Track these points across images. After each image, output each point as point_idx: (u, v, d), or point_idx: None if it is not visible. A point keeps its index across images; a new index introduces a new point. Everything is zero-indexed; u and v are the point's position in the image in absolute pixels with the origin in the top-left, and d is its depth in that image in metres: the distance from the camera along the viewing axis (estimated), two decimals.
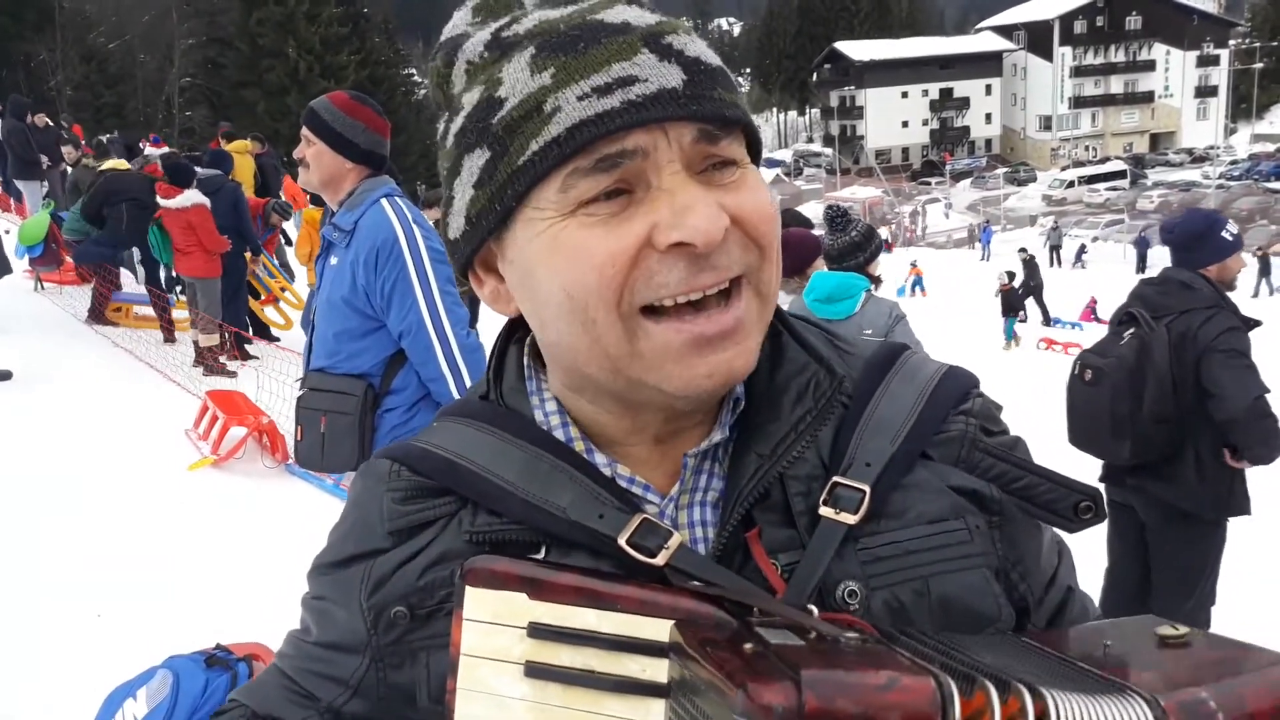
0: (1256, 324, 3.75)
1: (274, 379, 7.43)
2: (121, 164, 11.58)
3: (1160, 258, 26.17)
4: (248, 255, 9.90)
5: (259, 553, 5.00)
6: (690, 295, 0.73)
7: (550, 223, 0.74)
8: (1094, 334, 12.71)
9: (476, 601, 0.74)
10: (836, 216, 4.50)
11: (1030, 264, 24.85)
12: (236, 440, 6.64)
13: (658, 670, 0.70)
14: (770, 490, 0.80)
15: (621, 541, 0.76)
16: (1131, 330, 3.82)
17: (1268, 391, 3.60)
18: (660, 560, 0.74)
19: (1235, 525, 3.88)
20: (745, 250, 0.75)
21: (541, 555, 0.79)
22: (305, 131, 3.25)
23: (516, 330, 0.91)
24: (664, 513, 0.82)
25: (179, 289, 9.93)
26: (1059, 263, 37.00)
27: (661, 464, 0.84)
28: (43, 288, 11.62)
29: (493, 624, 0.74)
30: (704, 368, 0.74)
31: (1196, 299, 3.71)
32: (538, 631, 0.72)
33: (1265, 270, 29.39)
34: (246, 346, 9.74)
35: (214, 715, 0.94)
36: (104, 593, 4.48)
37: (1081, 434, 3.94)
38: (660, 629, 0.70)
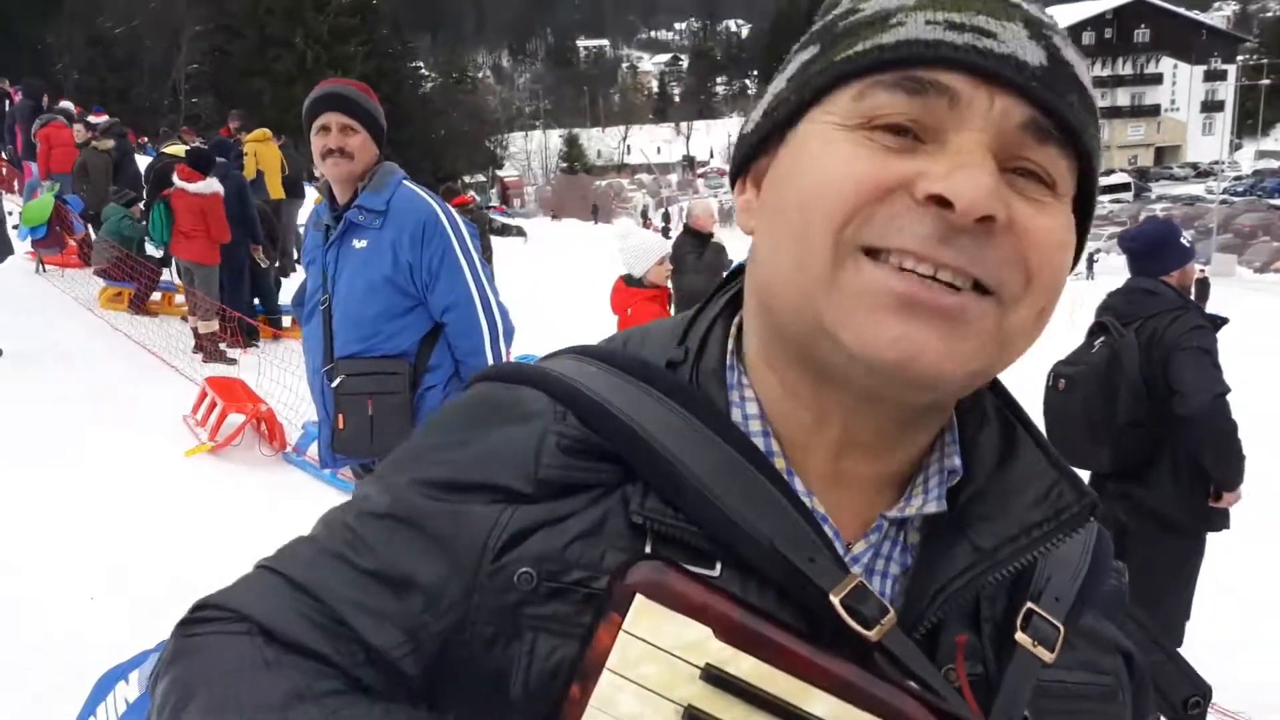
0: (1224, 321, 3.81)
1: (275, 367, 7.42)
2: (182, 150, 11.55)
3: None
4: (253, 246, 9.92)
5: (254, 540, 4.93)
6: (920, 265, 0.63)
7: (830, 127, 0.67)
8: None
9: (645, 616, 0.62)
10: None
11: None
12: (234, 427, 6.63)
13: None
14: (972, 590, 0.71)
15: (835, 600, 0.64)
16: (1102, 339, 3.89)
17: (1229, 391, 3.63)
18: (874, 635, 0.64)
19: (1213, 538, 3.89)
20: (1010, 267, 0.64)
21: (716, 571, 0.67)
22: (344, 120, 3.24)
23: (726, 304, 0.80)
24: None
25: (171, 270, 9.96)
26: None
27: (836, 497, 0.73)
28: (44, 270, 11.60)
29: (660, 650, 0.62)
30: (893, 332, 0.63)
31: (1162, 303, 3.79)
32: (718, 679, 0.61)
33: (1203, 295, 29.36)
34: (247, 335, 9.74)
35: (187, 622, 0.75)
36: (97, 576, 4.47)
37: (1060, 443, 3.95)
38: None
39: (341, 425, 3.34)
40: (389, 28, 64.36)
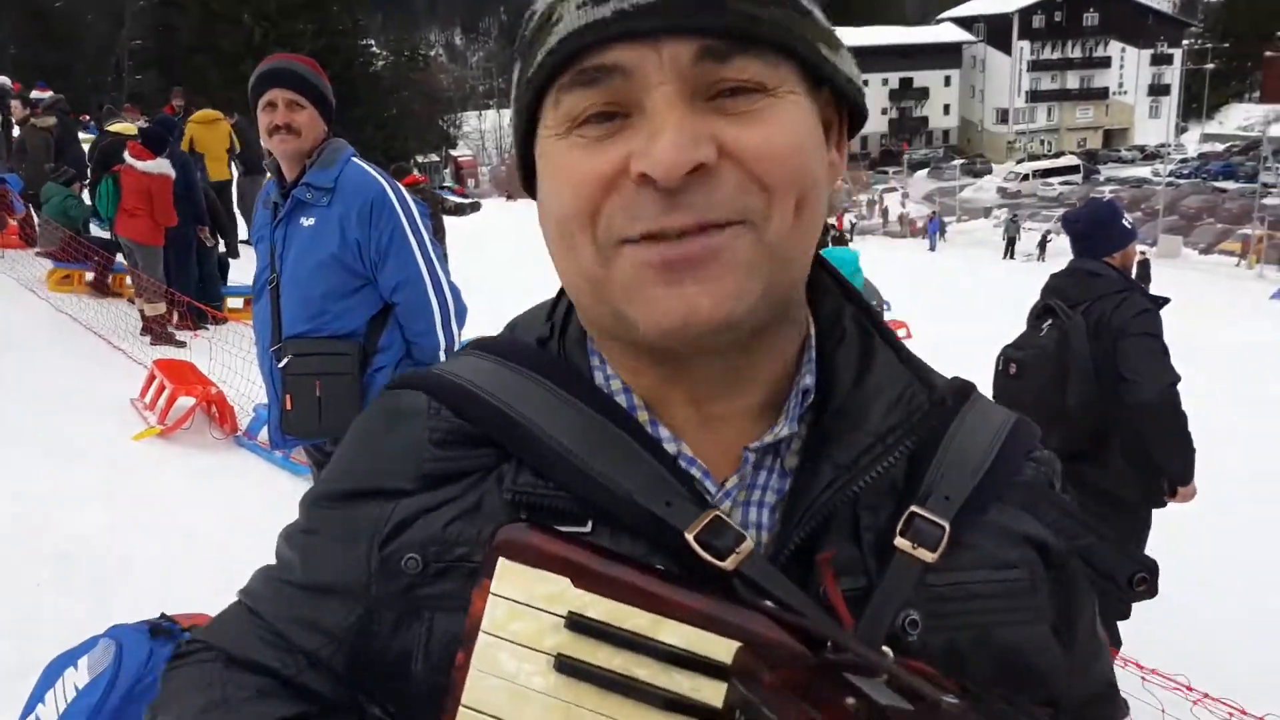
0: (1165, 301, 3.85)
1: (225, 350, 7.31)
2: (129, 128, 11.27)
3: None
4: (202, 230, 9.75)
5: (205, 524, 4.93)
6: (659, 232, 0.65)
7: (550, 141, 0.70)
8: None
9: (510, 576, 0.67)
10: None
11: (825, 230, 25.01)
12: (184, 411, 6.53)
13: (712, 693, 0.63)
14: (837, 505, 0.73)
15: (690, 537, 0.68)
16: (1050, 322, 3.92)
17: (1178, 380, 3.67)
18: (729, 564, 0.67)
19: (1157, 516, 3.97)
20: (742, 191, 0.65)
21: (588, 529, 0.71)
22: (291, 95, 3.18)
23: None
24: (718, 507, 0.74)
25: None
26: (1013, 255, 37.38)
27: (707, 439, 0.76)
28: None
29: (525, 605, 0.66)
30: (664, 302, 0.66)
31: (1107, 285, 3.82)
32: (579, 625, 0.65)
33: (1145, 276, 30.16)
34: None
35: (175, 656, 0.84)
36: (44, 561, 4.40)
37: None
38: (719, 647, 0.63)
39: (289, 406, 3.30)
40: (339, 5, 63.24)
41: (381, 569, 0.75)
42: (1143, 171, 67.97)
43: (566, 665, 0.65)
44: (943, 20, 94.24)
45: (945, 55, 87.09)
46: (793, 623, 0.64)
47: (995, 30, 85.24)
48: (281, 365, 3.29)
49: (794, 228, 0.68)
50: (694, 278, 0.65)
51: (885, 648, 0.68)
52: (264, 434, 6.16)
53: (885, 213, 53.38)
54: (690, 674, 0.64)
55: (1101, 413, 3.79)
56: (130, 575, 4.22)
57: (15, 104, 13.92)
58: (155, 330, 8.90)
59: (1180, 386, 3.68)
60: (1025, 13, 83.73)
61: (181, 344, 8.65)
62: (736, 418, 0.76)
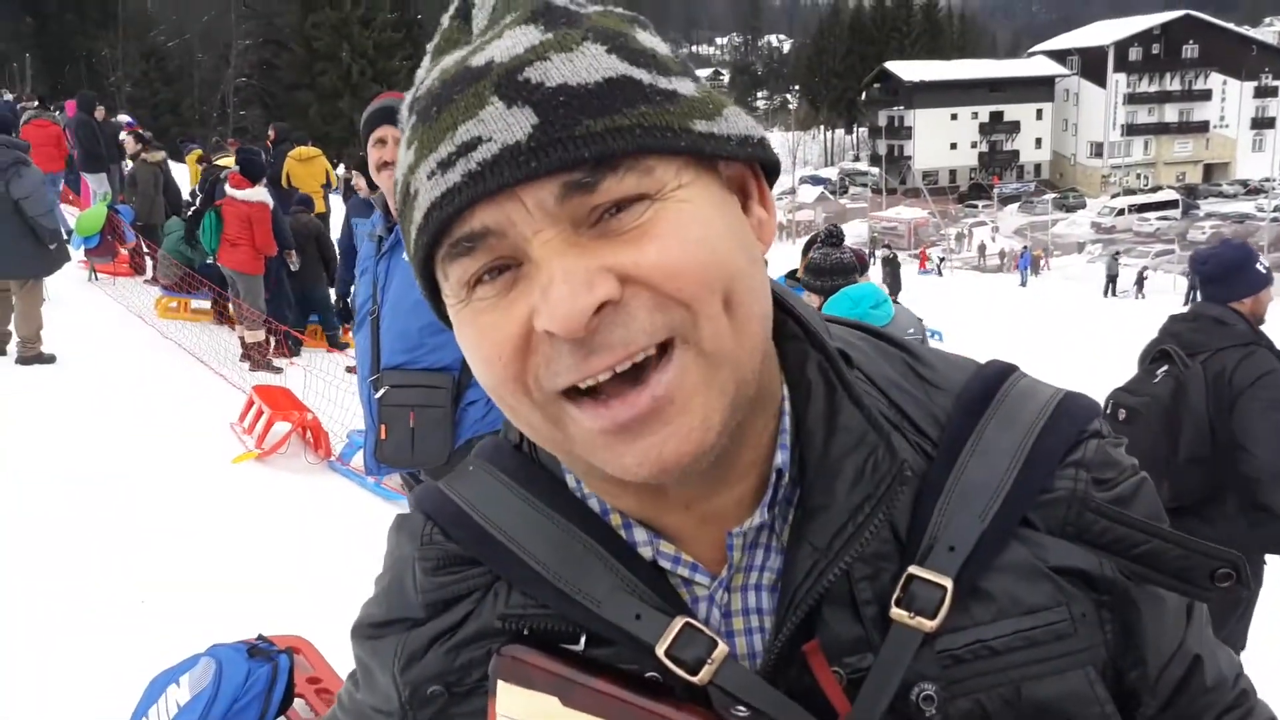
0: None
1: (320, 376, 7.51)
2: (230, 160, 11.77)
3: None
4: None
5: (300, 547, 5.05)
6: (589, 381, 0.62)
7: (456, 309, 0.67)
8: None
9: (509, 697, 0.71)
10: (836, 232, 4.70)
11: (891, 262, 24.28)
12: (280, 435, 6.71)
13: None
14: (826, 587, 0.69)
15: (660, 652, 0.67)
16: (1165, 368, 3.70)
17: None
18: (702, 679, 0.67)
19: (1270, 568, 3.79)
20: (661, 311, 0.61)
21: (581, 646, 0.72)
22: (399, 133, 3.27)
23: None
24: (713, 597, 0.73)
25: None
26: (1114, 293, 36.35)
27: (703, 534, 0.73)
28: (96, 278, 11.82)
29: None
30: (631, 457, 0.63)
31: (1231, 335, 3.60)
32: None
33: (1140, 282, 33.51)
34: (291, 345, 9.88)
35: None
36: (148, 580, 4.54)
37: None
38: None
39: (384, 435, 3.38)
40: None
41: (413, 697, 0.79)
42: (1246, 207, 65.61)
43: None
44: (1035, 53, 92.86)
45: (1037, 88, 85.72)
46: None
47: (1090, 63, 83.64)
48: (378, 396, 3.36)
49: (730, 327, 0.63)
50: (652, 429, 0.62)
51: None
52: (358, 459, 6.30)
53: (983, 248, 52.35)
54: None
55: (1213, 469, 3.59)
56: (230, 594, 4.33)
57: (128, 139, 14.55)
58: (254, 357, 9.18)
59: None
60: (1121, 45, 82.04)
61: (278, 370, 8.91)
62: (731, 508, 0.72)
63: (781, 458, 0.71)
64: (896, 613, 0.68)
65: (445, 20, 0.70)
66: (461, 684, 0.77)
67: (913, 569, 0.68)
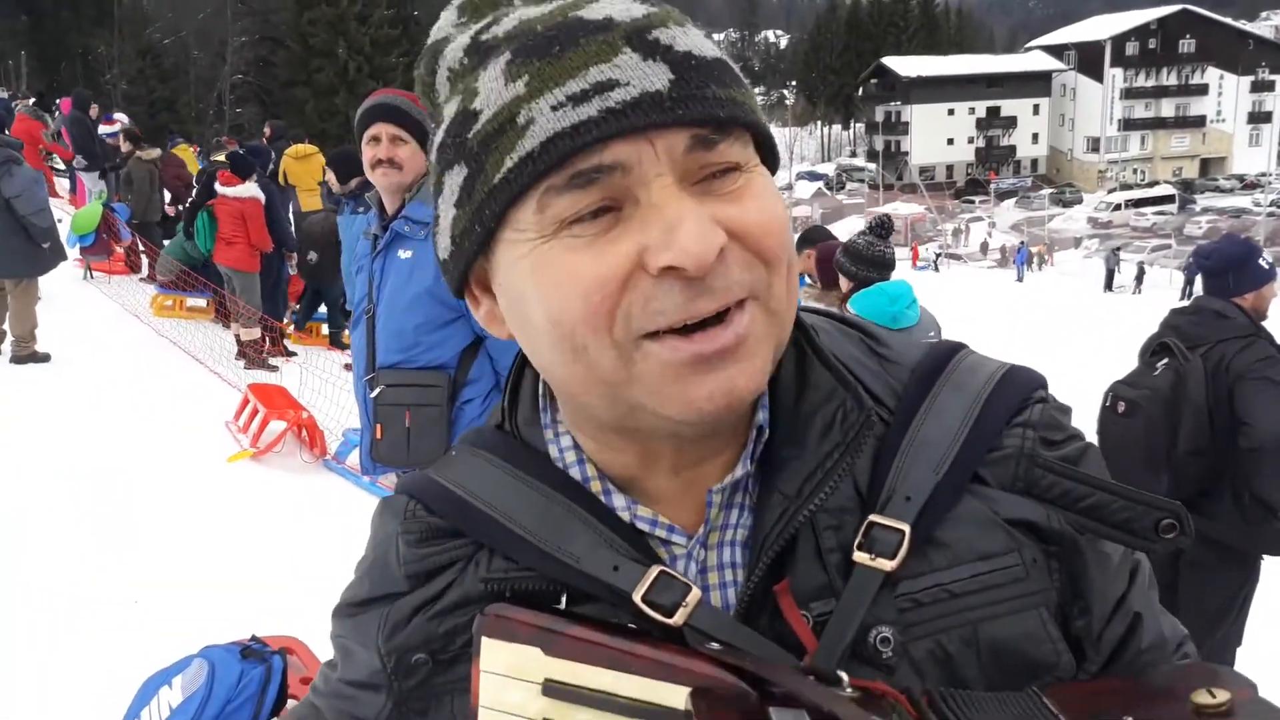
0: None
1: (315, 375, 7.50)
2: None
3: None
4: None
5: (295, 546, 5.04)
6: (688, 321, 0.66)
7: (533, 245, 0.68)
8: None
9: (492, 653, 0.73)
10: (886, 224, 4.65)
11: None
12: (276, 434, 6.70)
13: None
14: (799, 531, 0.73)
15: (637, 598, 0.71)
16: (1165, 361, 3.72)
17: None
18: (677, 620, 0.70)
19: (1267, 563, 3.80)
20: (749, 269, 0.68)
21: (563, 604, 0.75)
22: (393, 130, 3.25)
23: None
24: (690, 554, 0.77)
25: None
26: (1111, 288, 36.34)
27: (686, 498, 0.78)
28: (91, 276, 11.81)
29: (509, 678, 0.72)
30: (703, 389, 0.67)
31: (1231, 328, 3.62)
32: (553, 690, 0.70)
33: (1139, 277, 35.54)
34: (286, 343, 9.85)
35: None
36: (142, 578, 4.54)
37: (1115, 467, 3.86)
38: (678, 694, 0.67)
39: (380, 435, 3.36)
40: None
41: (397, 667, 0.81)
42: (1242, 201, 65.75)
43: None
44: (1032, 48, 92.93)
45: (1034, 83, 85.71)
46: (732, 663, 0.67)
47: (1086, 58, 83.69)
48: (373, 395, 3.35)
49: (788, 292, 0.71)
50: (729, 361, 0.67)
51: (841, 673, 0.68)
52: (354, 458, 6.29)
53: (985, 246, 52.20)
54: None
55: (1212, 461, 3.61)
56: (223, 594, 4.32)
57: (121, 142, 14.52)
58: (250, 355, 9.17)
59: None
60: (1118, 40, 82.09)
61: (274, 369, 8.89)
62: (716, 471, 0.77)
63: (762, 416, 0.77)
64: (858, 555, 0.72)
65: None
66: (445, 651, 0.79)
67: (873, 517, 0.73)
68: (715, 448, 0.77)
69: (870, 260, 4.43)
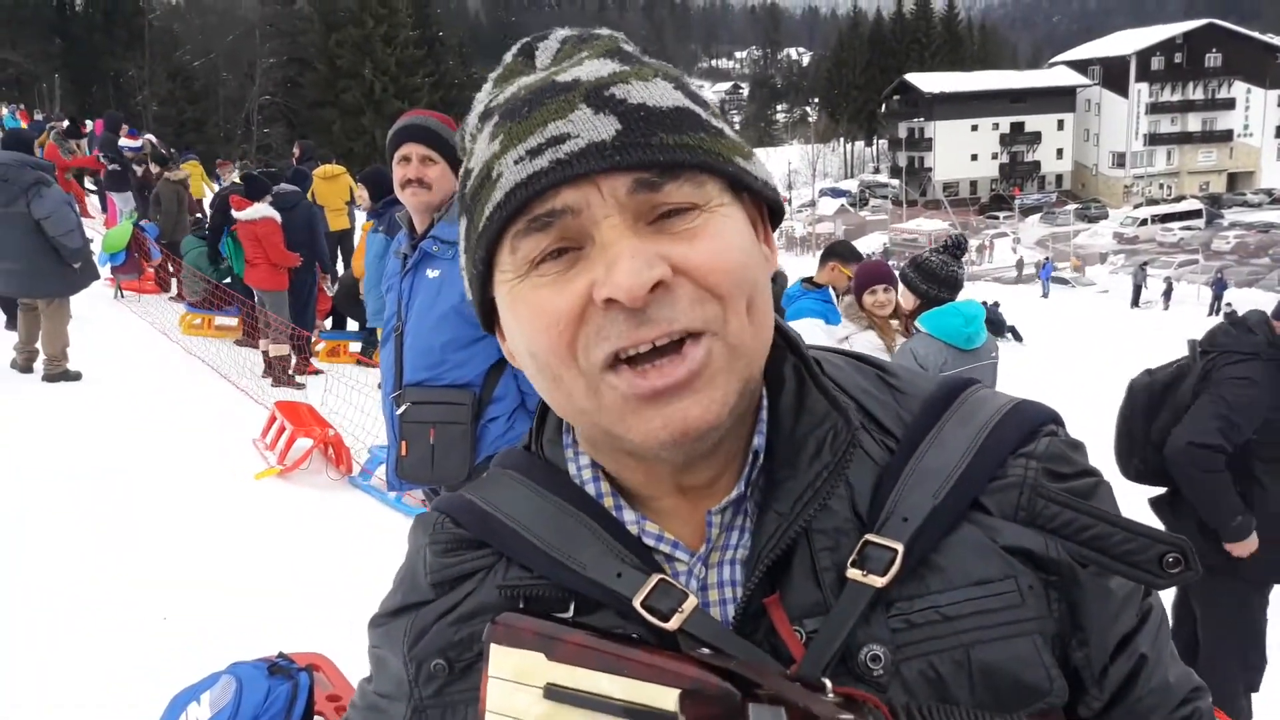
0: None
1: (340, 393, 7.55)
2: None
3: (1237, 300, 25.50)
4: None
5: (322, 563, 5.07)
6: (634, 349, 0.71)
7: (511, 284, 0.75)
8: None
9: (500, 658, 0.76)
10: (961, 243, 4.65)
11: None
12: (302, 451, 6.76)
13: None
14: (796, 549, 0.77)
15: (636, 603, 0.75)
16: (1180, 359, 3.85)
17: (1218, 450, 3.49)
18: (673, 625, 0.74)
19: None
20: (699, 303, 0.72)
21: (570, 613, 0.79)
22: (424, 151, 3.30)
23: None
24: (692, 571, 0.80)
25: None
26: (1139, 303, 36.02)
27: (692, 517, 0.82)
28: (122, 295, 11.96)
29: (514, 682, 0.75)
30: (657, 420, 0.72)
31: (1244, 343, 3.64)
32: (553, 693, 0.73)
33: (1167, 293, 36.07)
34: (314, 360, 9.93)
35: None
36: (170, 596, 4.57)
37: (1116, 439, 3.95)
38: (669, 696, 0.70)
39: (405, 452, 3.39)
40: (454, 59, 65.51)
41: (418, 674, 0.86)
42: (1270, 216, 64.98)
43: None
44: (1056, 64, 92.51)
45: (1058, 99, 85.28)
46: (721, 666, 0.69)
47: (1111, 73, 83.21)
48: (399, 412, 3.38)
49: (750, 327, 0.74)
50: (682, 395, 0.72)
51: (825, 679, 0.70)
52: (380, 473, 6.32)
53: (1020, 263, 51.66)
54: None
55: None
56: (251, 611, 4.35)
57: (150, 166, 14.73)
58: (277, 373, 9.24)
59: None
60: (1143, 55, 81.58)
61: (301, 386, 8.96)
62: (717, 493, 0.81)
63: (759, 440, 0.81)
64: (851, 572, 0.75)
65: (509, 57, 0.83)
66: (461, 658, 0.83)
67: (869, 536, 0.76)
68: (713, 470, 0.81)
69: (944, 280, 4.43)
